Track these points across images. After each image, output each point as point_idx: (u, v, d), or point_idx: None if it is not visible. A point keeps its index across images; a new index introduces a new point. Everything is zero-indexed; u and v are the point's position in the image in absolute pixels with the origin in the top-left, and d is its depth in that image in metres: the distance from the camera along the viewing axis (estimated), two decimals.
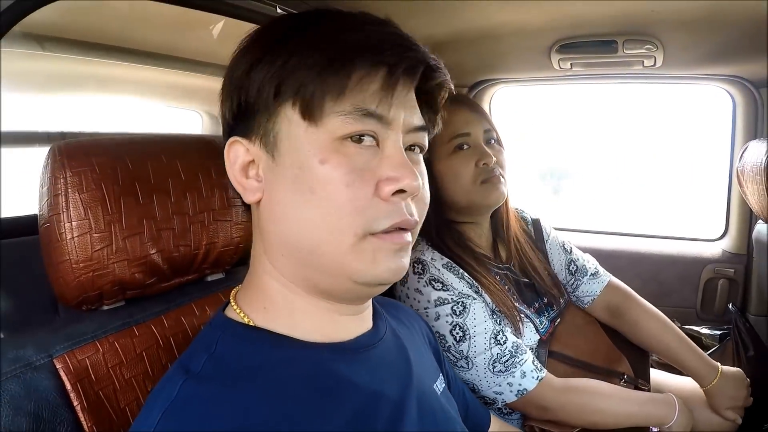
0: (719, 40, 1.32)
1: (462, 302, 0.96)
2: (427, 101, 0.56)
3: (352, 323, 0.57)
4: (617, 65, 1.52)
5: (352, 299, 0.54)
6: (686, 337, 1.17)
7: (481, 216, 1.10)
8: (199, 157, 0.73)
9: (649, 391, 1.10)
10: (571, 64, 1.53)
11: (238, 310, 0.54)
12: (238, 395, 0.45)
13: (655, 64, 1.46)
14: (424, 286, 0.97)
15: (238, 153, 0.52)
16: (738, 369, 1.13)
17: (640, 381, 1.11)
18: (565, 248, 1.26)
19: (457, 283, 0.98)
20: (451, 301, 0.96)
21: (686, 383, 1.17)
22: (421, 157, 0.55)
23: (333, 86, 0.47)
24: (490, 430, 0.84)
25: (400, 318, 0.71)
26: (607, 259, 1.72)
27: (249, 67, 0.49)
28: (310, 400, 0.48)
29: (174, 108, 1.65)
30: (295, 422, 0.46)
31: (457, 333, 0.95)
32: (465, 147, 1.04)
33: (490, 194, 1.03)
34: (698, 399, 1.12)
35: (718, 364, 1.12)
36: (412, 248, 0.54)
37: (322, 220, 0.48)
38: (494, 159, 1.03)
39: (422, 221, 0.54)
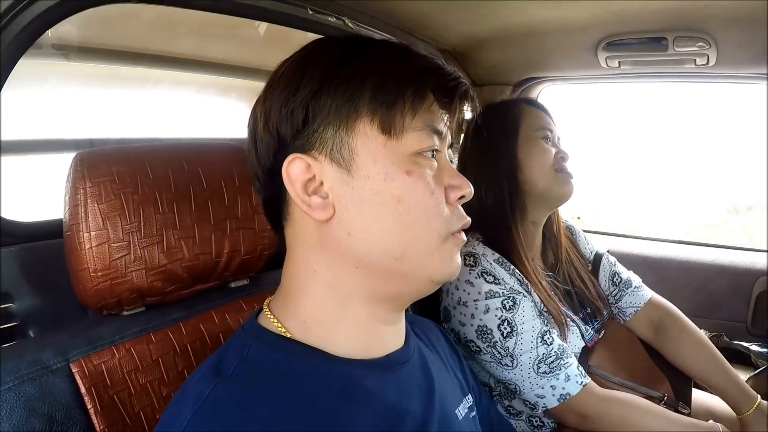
0: None
1: (512, 297, 0.95)
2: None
3: (389, 335, 0.58)
4: (668, 63, 1.44)
5: (411, 300, 0.58)
6: (726, 361, 1.11)
7: (548, 209, 1.11)
8: (222, 164, 0.73)
9: (689, 415, 1.04)
10: (619, 62, 1.47)
11: (273, 320, 0.55)
12: (266, 400, 0.47)
13: (708, 63, 1.37)
14: (476, 278, 0.96)
15: (297, 170, 0.51)
16: None
17: (680, 404, 1.06)
18: (609, 260, 1.24)
19: (509, 278, 0.98)
20: (501, 294, 0.95)
21: (727, 408, 1.11)
22: None
23: (410, 105, 0.51)
24: None
25: (428, 337, 0.71)
26: (655, 266, 1.67)
27: (318, 88, 0.51)
28: (335, 409, 0.50)
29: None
30: (318, 427, 0.48)
31: (505, 328, 0.94)
32: (549, 140, 1.08)
33: (564, 184, 1.05)
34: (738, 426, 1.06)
35: (758, 396, 1.06)
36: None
37: (410, 226, 0.52)
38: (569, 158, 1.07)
39: None
